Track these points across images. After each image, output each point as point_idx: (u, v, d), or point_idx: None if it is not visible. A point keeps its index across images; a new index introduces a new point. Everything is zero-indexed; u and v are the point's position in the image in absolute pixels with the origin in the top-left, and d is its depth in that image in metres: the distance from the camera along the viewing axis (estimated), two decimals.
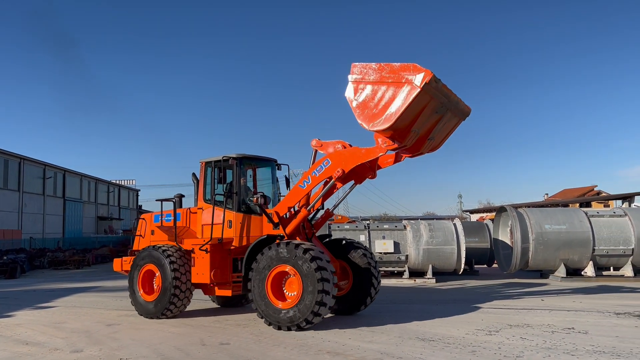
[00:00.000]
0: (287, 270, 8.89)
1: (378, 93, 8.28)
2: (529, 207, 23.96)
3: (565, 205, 38.45)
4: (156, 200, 11.30)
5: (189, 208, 10.91)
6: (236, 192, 10.03)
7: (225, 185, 10.06)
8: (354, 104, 8.55)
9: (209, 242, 9.93)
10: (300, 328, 8.65)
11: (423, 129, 8.72)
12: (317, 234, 10.77)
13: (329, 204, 10.80)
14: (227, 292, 10.17)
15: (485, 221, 21.15)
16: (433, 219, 33.11)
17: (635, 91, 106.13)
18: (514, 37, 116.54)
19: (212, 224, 10.07)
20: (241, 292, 10.03)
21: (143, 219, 11.73)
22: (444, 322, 9.38)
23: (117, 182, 66.55)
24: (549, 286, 15.51)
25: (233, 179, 10.12)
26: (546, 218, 16.93)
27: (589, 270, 16.58)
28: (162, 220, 11.06)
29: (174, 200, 11.05)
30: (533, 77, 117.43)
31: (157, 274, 10.34)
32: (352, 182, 10.17)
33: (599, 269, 16.81)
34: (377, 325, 9.23)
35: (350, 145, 9.73)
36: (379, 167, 9.75)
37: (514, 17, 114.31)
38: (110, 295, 15.05)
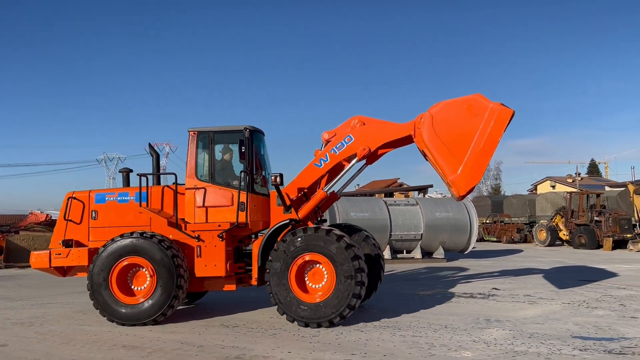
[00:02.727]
0: (315, 259, 7.98)
1: (452, 125, 8.09)
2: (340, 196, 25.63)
3: (372, 195, 42.15)
4: (137, 174, 8.72)
5: (166, 185, 8.97)
6: (249, 170, 8.50)
7: (247, 162, 8.40)
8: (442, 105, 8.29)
9: (234, 227, 8.32)
10: (332, 324, 7.82)
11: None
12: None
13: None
14: (232, 287, 8.74)
15: None
16: None
17: (432, 92, 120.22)
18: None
19: (242, 204, 8.38)
20: (253, 285, 8.68)
21: (75, 197, 9.02)
22: (250, 308, 9.52)
23: None
24: None
25: (247, 155, 8.44)
26: (352, 206, 18.29)
27: (387, 254, 18.34)
28: (140, 201, 8.60)
29: (146, 175, 8.74)
30: (354, 79, 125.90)
31: (141, 269, 8.27)
32: (364, 161, 9.14)
33: (395, 252, 18.73)
34: (183, 314, 8.99)
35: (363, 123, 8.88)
36: (410, 142, 8.81)
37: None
38: None
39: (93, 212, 8.97)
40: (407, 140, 8.67)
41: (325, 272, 8.00)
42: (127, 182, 9.43)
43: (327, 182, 9.02)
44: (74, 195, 9.07)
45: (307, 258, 7.99)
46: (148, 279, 8.20)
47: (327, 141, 9.04)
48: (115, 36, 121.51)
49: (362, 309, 8.97)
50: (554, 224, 27.03)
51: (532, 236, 28.80)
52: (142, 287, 8.26)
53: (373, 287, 9.41)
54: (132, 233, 8.30)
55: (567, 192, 28.66)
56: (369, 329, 7.65)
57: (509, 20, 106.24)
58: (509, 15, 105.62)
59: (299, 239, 7.97)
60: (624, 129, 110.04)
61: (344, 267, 7.76)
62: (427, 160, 8.79)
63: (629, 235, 23.80)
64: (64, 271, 9.03)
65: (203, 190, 8.57)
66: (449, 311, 9.04)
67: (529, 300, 10.10)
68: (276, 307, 8.02)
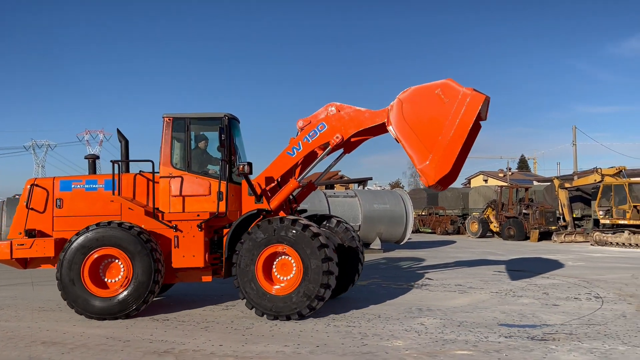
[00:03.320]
0: (282, 250, 7.73)
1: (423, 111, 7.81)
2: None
3: None
4: (111, 161, 8.33)
5: (138, 173, 8.58)
6: (227, 159, 8.21)
7: (226, 151, 8.15)
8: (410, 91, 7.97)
9: (214, 216, 8.13)
10: (302, 316, 7.58)
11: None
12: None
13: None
14: (208, 278, 8.47)
15: None
16: None
17: (378, 87, 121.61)
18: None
19: (221, 193, 8.17)
20: (223, 277, 8.46)
21: (37, 185, 8.51)
22: (182, 302, 9.27)
23: None
24: None
25: (226, 143, 8.16)
26: None
27: None
28: (114, 189, 8.30)
29: (118, 162, 8.42)
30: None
31: (114, 261, 7.89)
32: (341, 150, 8.96)
33: None
34: None
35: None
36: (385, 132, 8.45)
37: None
38: None
39: (58, 201, 8.48)
40: (382, 128, 8.32)
41: (293, 271, 7.74)
42: (93, 170, 9.04)
43: (302, 172, 8.82)
44: (35, 182, 8.56)
45: (272, 250, 7.77)
46: (122, 269, 7.86)
47: (302, 129, 8.80)
48: (48, 13, 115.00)
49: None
50: (485, 216, 28.11)
51: (465, 228, 29.83)
52: (117, 279, 7.91)
53: (354, 274, 9.27)
54: (100, 223, 7.91)
55: (498, 186, 29.87)
56: (303, 320, 7.61)
57: (446, 20, 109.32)
58: (447, 15, 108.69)
59: (293, 232, 7.65)
60: (553, 127, 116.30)
61: (310, 286, 7.53)
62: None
63: (553, 228, 25.13)
64: (25, 263, 8.49)
65: (179, 179, 8.31)
66: (383, 301, 9.15)
67: (460, 289, 10.41)
68: (210, 305, 7.83)
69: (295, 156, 8.49)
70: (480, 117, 7.95)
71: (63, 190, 8.54)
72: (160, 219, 8.22)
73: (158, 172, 8.39)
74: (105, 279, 7.94)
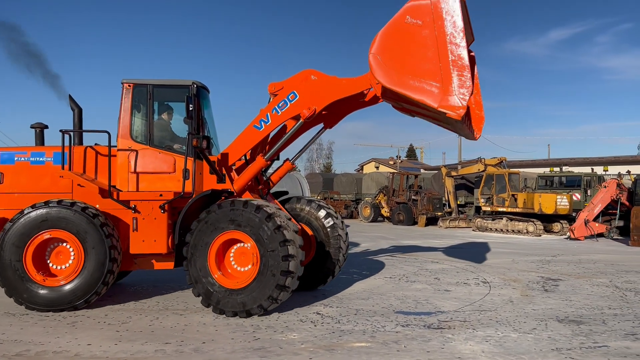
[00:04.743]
0: (238, 237, 6.84)
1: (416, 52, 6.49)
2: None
3: None
4: (60, 130, 7.13)
5: (90, 146, 7.59)
6: (195, 132, 7.13)
7: (194, 123, 7.12)
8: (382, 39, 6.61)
9: (179, 197, 7.17)
10: (249, 314, 6.69)
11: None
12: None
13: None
14: (170, 265, 7.55)
15: None
16: None
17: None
18: None
19: (187, 171, 7.30)
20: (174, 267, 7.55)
21: None
22: None
23: None
24: None
25: (194, 113, 7.05)
26: None
27: None
28: (63, 163, 7.22)
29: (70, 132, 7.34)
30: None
31: (61, 244, 7.01)
32: (321, 125, 8.24)
33: None
34: None
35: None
36: (368, 104, 7.66)
37: None
38: None
39: None
40: (364, 97, 7.43)
41: (252, 260, 6.81)
42: (40, 140, 7.85)
43: (272, 148, 7.90)
44: None
45: (226, 238, 6.87)
46: (72, 255, 7.00)
47: (274, 95, 7.80)
48: None
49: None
50: (377, 201, 28.79)
51: (358, 212, 30.37)
52: (65, 266, 7.04)
53: (334, 264, 8.52)
54: (49, 201, 6.95)
55: (390, 173, 30.73)
56: (190, 312, 6.92)
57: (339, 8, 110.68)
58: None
59: (248, 215, 6.68)
60: None
61: (270, 252, 6.64)
62: (409, 113, 7.48)
63: (439, 214, 26.33)
64: None
65: (139, 153, 7.40)
66: None
67: (355, 275, 10.24)
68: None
69: (264, 130, 7.52)
70: (468, 34, 7.15)
71: (4, 162, 7.57)
72: (116, 198, 7.22)
73: (115, 146, 7.41)
74: (52, 265, 7.08)
